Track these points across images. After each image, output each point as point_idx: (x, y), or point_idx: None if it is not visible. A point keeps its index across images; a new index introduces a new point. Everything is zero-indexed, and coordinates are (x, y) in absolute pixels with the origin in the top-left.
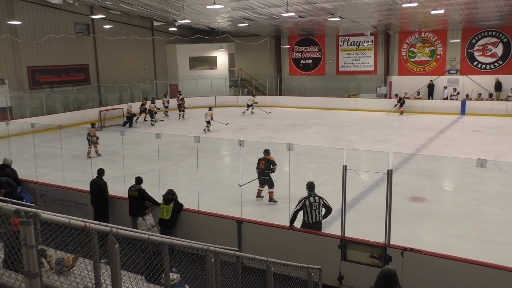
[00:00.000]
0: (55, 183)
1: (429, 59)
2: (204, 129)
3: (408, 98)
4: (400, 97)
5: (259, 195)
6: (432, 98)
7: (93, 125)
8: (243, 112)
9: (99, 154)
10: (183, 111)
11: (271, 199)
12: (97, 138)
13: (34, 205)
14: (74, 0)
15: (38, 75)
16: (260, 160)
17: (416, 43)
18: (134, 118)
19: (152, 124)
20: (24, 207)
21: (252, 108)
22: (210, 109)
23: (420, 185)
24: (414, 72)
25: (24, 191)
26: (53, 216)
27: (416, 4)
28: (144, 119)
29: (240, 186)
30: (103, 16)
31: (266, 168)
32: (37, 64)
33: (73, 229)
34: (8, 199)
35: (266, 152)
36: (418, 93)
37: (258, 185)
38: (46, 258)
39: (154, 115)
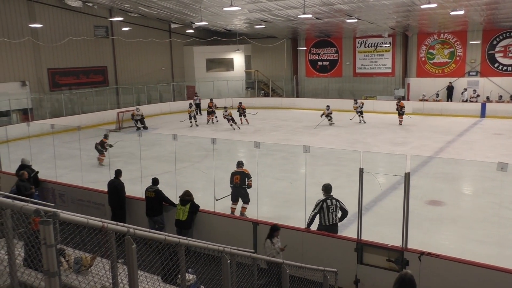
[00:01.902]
0: (73, 184)
1: (448, 60)
2: (330, 124)
3: (426, 100)
4: (401, 105)
5: (232, 213)
6: (451, 101)
7: (106, 136)
8: (351, 119)
9: (102, 165)
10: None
11: (243, 215)
12: (109, 146)
13: (53, 204)
14: (94, 3)
15: (58, 77)
16: (234, 174)
17: (435, 45)
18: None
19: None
20: (44, 207)
21: (361, 115)
22: (328, 107)
23: (439, 189)
24: (432, 74)
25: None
26: (72, 216)
27: (435, 5)
28: (212, 121)
29: (217, 200)
30: (122, 19)
31: (242, 183)
32: (57, 66)
33: (91, 229)
34: (28, 198)
35: (240, 164)
36: (437, 95)
37: (231, 202)
38: (64, 257)
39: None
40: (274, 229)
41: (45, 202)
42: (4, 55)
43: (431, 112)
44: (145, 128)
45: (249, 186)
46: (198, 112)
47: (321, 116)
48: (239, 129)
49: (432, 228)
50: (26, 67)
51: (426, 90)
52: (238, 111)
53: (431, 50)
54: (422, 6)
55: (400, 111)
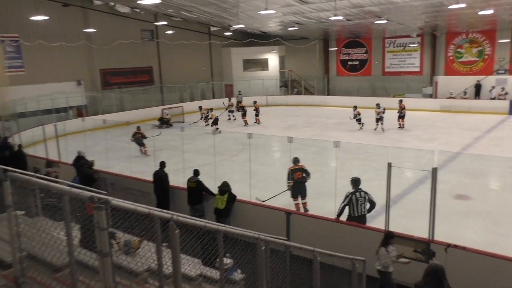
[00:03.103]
0: (123, 173)
1: (477, 59)
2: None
3: (454, 98)
4: (402, 106)
5: (298, 209)
6: (479, 98)
7: (138, 127)
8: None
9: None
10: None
11: (306, 210)
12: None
13: (105, 192)
14: (141, 9)
15: (109, 77)
16: (295, 170)
17: (463, 44)
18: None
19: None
20: (97, 194)
21: (381, 121)
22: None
23: (465, 184)
24: (460, 72)
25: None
26: (121, 203)
27: (464, 5)
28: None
29: (263, 201)
30: (166, 23)
31: (303, 178)
32: (108, 67)
33: (138, 215)
34: (84, 186)
35: (297, 161)
36: (465, 93)
37: (292, 199)
38: (115, 240)
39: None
40: (389, 236)
41: (98, 190)
42: (62, 58)
43: (459, 109)
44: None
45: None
46: (239, 109)
47: (378, 115)
48: (219, 133)
49: (459, 222)
50: (81, 68)
51: (454, 88)
52: (237, 108)
53: (459, 49)
54: (451, 7)
55: (401, 114)
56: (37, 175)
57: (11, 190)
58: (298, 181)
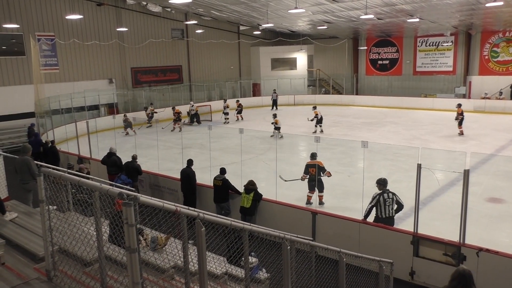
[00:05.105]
0: (151, 171)
1: None
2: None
3: (488, 98)
4: (461, 111)
5: (309, 202)
6: None
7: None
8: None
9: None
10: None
11: (321, 202)
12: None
13: (134, 189)
14: (172, 8)
15: (139, 75)
16: (309, 166)
17: (499, 43)
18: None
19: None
20: (126, 190)
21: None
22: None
23: (499, 186)
24: (496, 72)
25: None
26: (149, 199)
27: (501, 3)
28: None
29: (285, 180)
30: (196, 22)
31: (317, 175)
32: (139, 65)
33: (166, 212)
34: (113, 183)
35: (314, 156)
36: (500, 93)
37: (308, 191)
38: (143, 236)
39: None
40: None
41: (127, 187)
42: (95, 56)
43: (493, 110)
44: (199, 122)
45: (328, 176)
46: (275, 108)
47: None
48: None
49: (491, 225)
50: (113, 66)
51: (489, 88)
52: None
53: (495, 48)
54: (487, 5)
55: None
56: (70, 171)
57: (44, 185)
58: (312, 177)
